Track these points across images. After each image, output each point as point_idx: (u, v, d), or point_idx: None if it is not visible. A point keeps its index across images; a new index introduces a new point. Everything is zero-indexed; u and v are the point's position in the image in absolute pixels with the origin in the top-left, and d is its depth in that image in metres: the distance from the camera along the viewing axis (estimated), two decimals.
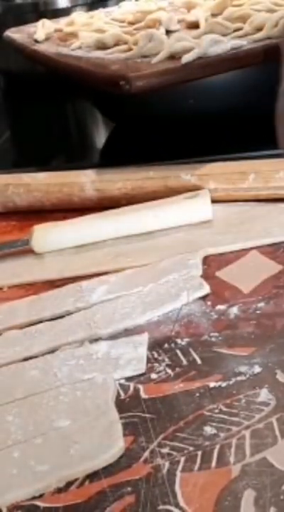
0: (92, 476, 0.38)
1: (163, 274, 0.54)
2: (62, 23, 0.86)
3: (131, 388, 0.43)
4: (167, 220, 0.60)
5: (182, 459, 0.37)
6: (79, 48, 0.75)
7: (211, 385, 0.42)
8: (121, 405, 0.42)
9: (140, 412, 0.41)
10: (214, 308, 0.50)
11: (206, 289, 0.51)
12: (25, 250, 0.60)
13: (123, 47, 0.71)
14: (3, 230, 0.66)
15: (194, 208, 0.60)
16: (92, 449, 0.39)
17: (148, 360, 0.45)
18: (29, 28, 0.87)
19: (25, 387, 0.44)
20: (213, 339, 0.46)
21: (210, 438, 0.39)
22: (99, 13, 0.87)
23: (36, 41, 0.82)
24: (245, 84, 0.71)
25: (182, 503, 0.35)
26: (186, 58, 0.63)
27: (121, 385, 0.44)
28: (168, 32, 0.73)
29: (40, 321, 0.51)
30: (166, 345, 0.47)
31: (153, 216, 0.61)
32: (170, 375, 0.44)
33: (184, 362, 0.45)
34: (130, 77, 0.62)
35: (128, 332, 0.49)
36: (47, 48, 0.78)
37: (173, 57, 0.65)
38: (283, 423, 0.39)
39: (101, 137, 0.93)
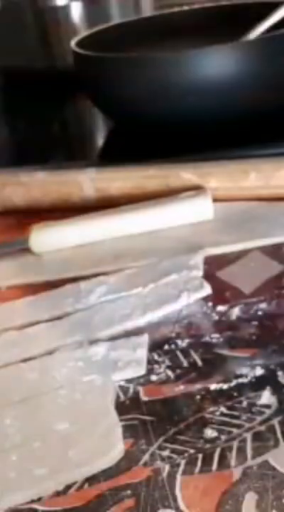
0: (91, 480, 0.37)
1: (163, 274, 0.53)
2: None
3: (131, 390, 0.43)
4: (167, 220, 0.60)
5: (183, 462, 0.37)
6: None
7: (212, 387, 0.42)
8: (120, 407, 0.42)
9: (140, 415, 0.41)
10: (214, 309, 0.49)
11: (206, 290, 0.51)
12: (24, 250, 0.60)
13: None
14: (0, 230, 0.66)
15: (195, 207, 0.60)
16: (91, 452, 0.38)
17: (148, 362, 0.45)
18: None
19: (24, 389, 0.44)
20: (214, 340, 0.46)
21: (211, 441, 0.38)
22: None
23: None
24: (246, 81, 0.71)
25: (182, 507, 0.35)
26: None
27: (120, 387, 0.43)
28: None
29: (39, 322, 0.51)
30: (166, 347, 0.46)
31: (153, 216, 0.60)
32: (170, 377, 0.43)
33: (185, 364, 0.44)
34: None
35: (127, 333, 0.48)
36: None
37: None
38: None
39: (100, 136, 0.92)
